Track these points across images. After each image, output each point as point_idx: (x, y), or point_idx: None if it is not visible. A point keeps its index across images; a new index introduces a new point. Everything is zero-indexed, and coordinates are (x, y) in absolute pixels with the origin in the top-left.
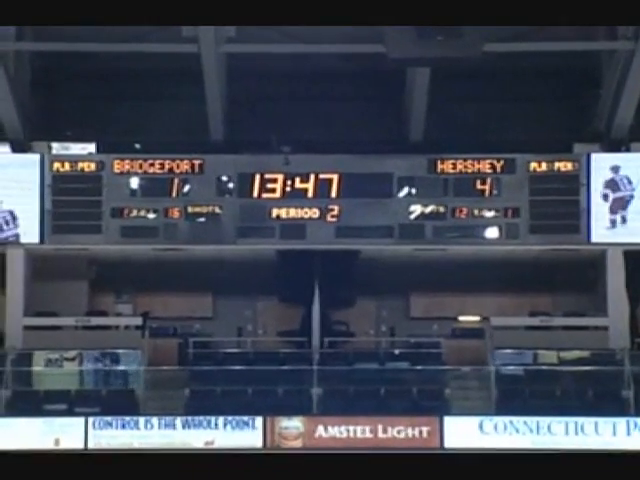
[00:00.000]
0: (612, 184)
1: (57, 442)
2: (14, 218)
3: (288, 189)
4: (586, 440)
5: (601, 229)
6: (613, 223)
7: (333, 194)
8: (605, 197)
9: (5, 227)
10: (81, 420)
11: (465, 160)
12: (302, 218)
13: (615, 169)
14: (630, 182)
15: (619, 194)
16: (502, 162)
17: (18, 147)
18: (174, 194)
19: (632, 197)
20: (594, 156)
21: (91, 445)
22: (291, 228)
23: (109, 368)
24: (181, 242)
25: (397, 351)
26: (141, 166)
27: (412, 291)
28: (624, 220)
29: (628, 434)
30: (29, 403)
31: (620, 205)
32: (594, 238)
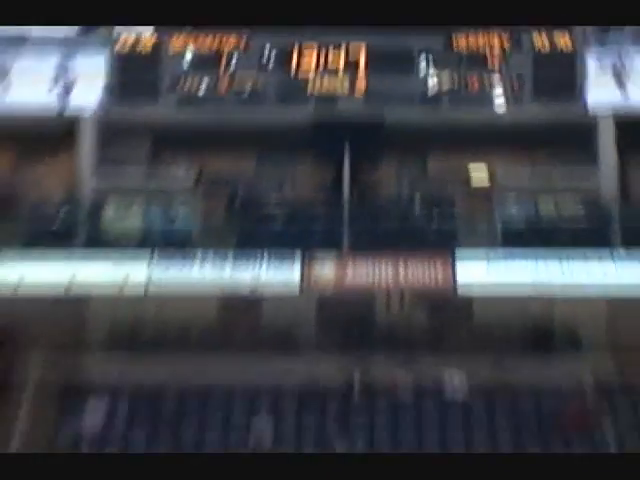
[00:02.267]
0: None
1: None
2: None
3: (321, 66)
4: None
5: (597, 99)
6: (609, 94)
7: (361, 69)
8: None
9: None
10: (144, 261)
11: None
12: (335, 90)
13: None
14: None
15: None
16: (508, 37)
17: (84, 29)
18: (222, 70)
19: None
20: (593, 30)
21: (154, 279)
22: (324, 100)
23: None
24: (228, 113)
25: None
26: (194, 41)
27: (430, 155)
28: (621, 87)
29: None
30: (99, 247)
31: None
32: (591, 107)
